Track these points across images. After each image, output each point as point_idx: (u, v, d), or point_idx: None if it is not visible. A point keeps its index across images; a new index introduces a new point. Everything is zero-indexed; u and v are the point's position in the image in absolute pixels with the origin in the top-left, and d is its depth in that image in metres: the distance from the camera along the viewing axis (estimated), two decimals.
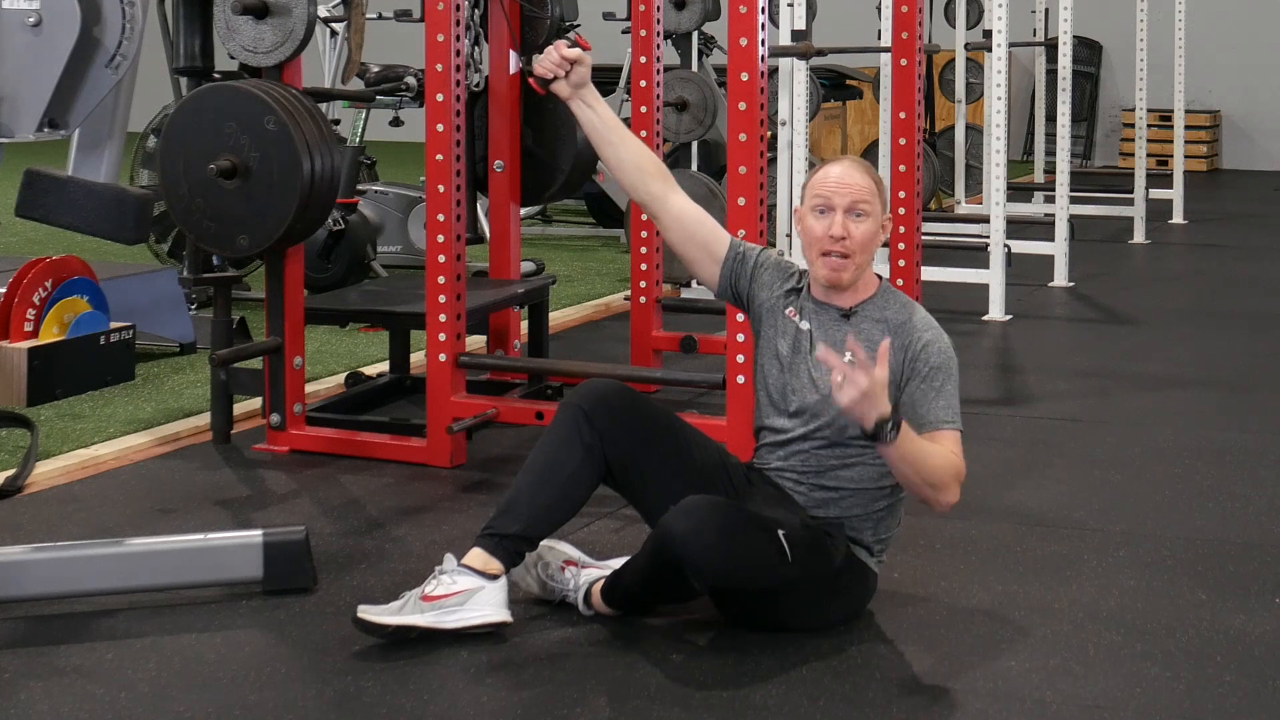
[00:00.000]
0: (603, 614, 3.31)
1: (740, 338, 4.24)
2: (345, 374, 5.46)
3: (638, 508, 3.40)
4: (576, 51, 3.47)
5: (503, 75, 5.27)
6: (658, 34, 5.47)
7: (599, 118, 3.51)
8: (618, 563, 3.40)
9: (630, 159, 3.50)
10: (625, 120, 5.25)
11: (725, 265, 3.45)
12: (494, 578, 3.21)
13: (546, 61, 3.46)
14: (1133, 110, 9.87)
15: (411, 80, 7.08)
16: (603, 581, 3.31)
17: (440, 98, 4.54)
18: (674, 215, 3.47)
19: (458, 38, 4.57)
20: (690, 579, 3.10)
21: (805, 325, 3.34)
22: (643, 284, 5.45)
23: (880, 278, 3.39)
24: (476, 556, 3.22)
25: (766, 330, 3.40)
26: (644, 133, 5.33)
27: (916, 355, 3.24)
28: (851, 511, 3.29)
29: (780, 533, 3.13)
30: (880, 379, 2.98)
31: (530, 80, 3.55)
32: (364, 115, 7.51)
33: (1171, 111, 10.41)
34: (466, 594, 3.19)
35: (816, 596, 3.22)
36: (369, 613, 3.18)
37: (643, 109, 5.39)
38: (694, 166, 7.61)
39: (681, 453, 3.33)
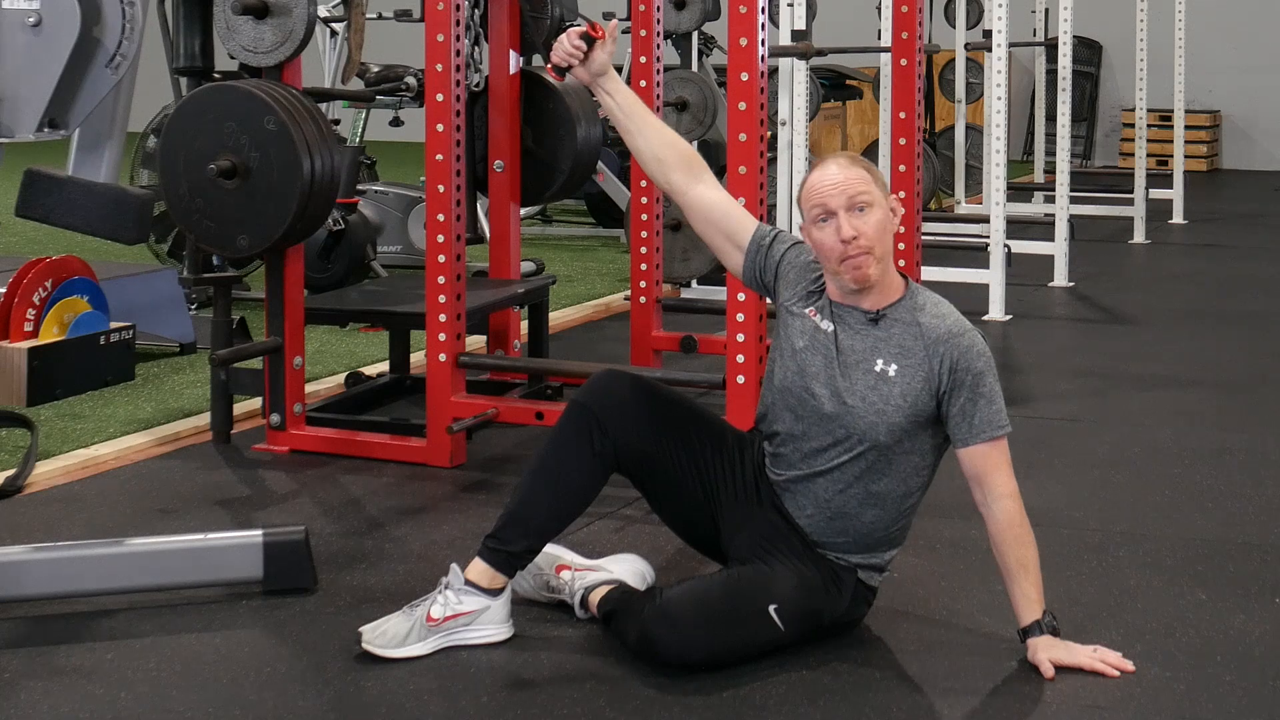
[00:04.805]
0: (599, 618, 3.30)
1: (740, 338, 4.24)
2: (345, 374, 5.47)
3: (646, 498, 3.37)
4: (580, 29, 3.42)
5: (503, 75, 5.27)
6: (658, 34, 5.47)
7: (618, 106, 3.43)
8: (611, 564, 3.40)
9: (648, 149, 3.42)
10: None
11: (748, 256, 3.36)
12: (498, 593, 3.20)
13: (559, 50, 3.43)
14: (1133, 110, 9.88)
15: (411, 80, 7.07)
16: (600, 595, 3.28)
17: (440, 98, 4.54)
18: (693, 205, 3.39)
19: (458, 38, 4.57)
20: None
21: (828, 326, 3.22)
22: (643, 284, 5.45)
23: (905, 277, 3.25)
24: (482, 572, 3.19)
25: (785, 329, 3.28)
26: None
27: (956, 364, 3.13)
28: (873, 534, 3.21)
29: (772, 608, 3.08)
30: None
31: (548, 68, 3.53)
32: (364, 115, 7.52)
33: (1171, 111, 10.42)
34: (471, 615, 3.17)
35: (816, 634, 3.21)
36: (374, 645, 3.13)
37: None
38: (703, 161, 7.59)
39: (696, 456, 3.27)
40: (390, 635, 3.15)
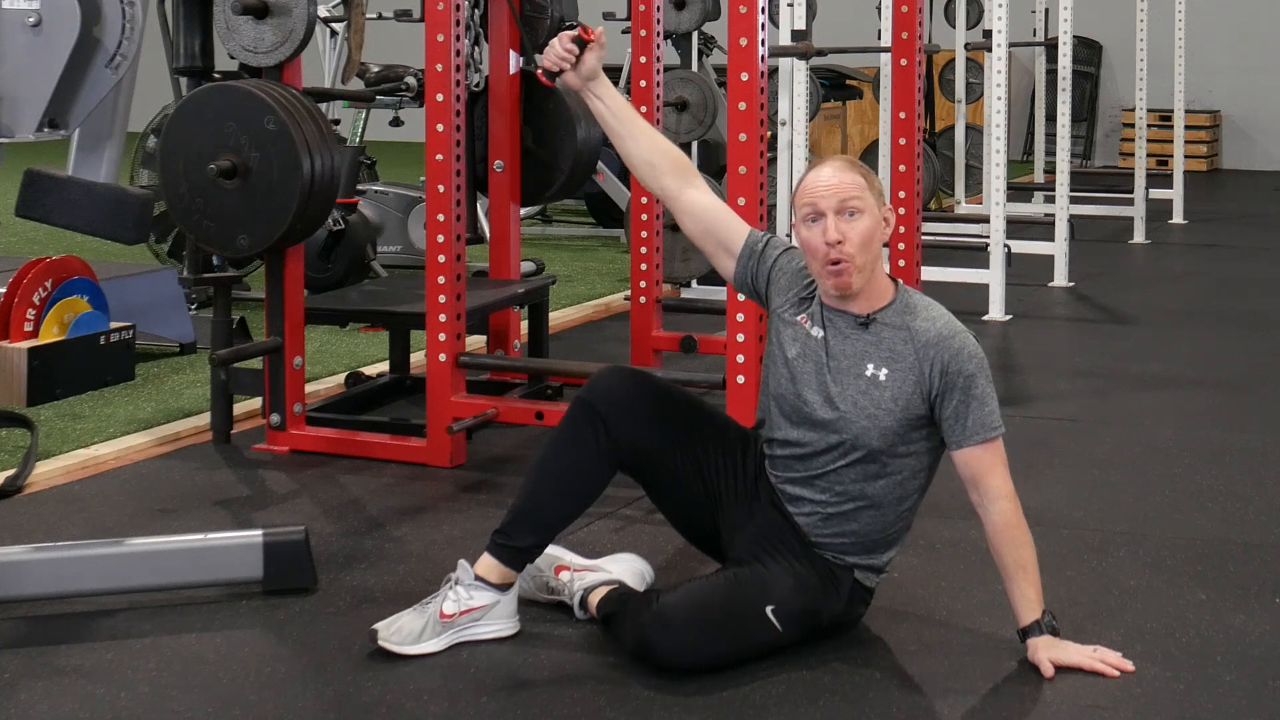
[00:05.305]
0: (598, 619, 3.30)
1: (740, 338, 4.24)
2: (345, 374, 5.47)
3: (648, 494, 3.38)
4: (572, 33, 3.42)
5: (503, 75, 5.27)
6: (658, 34, 5.47)
7: (609, 110, 3.42)
8: (610, 564, 3.41)
9: (639, 153, 3.42)
10: None
11: (740, 262, 3.35)
12: (507, 588, 3.22)
13: (551, 54, 3.42)
14: (1133, 110, 9.88)
15: (411, 80, 7.08)
16: (600, 596, 3.28)
17: (440, 98, 4.54)
18: (685, 210, 3.38)
19: (458, 38, 4.57)
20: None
21: (818, 333, 3.21)
22: (643, 284, 5.45)
23: (896, 281, 3.25)
24: (491, 568, 3.21)
25: (777, 336, 3.28)
26: None
27: (947, 367, 3.12)
28: (871, 536, 3.20)
29: (769, 610, 3.09)
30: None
31: (538, 73, 3.53)
32: (364, 115, 7.52)
33: (1171, 111, 10.42)
34: (483, 610, 3.19)
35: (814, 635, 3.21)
36: (389, 642, 3.14)
37: (642, 109, 5.38)
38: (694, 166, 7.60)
39: (698, 454, 3.28)
40: (405, 632, 3.16)
